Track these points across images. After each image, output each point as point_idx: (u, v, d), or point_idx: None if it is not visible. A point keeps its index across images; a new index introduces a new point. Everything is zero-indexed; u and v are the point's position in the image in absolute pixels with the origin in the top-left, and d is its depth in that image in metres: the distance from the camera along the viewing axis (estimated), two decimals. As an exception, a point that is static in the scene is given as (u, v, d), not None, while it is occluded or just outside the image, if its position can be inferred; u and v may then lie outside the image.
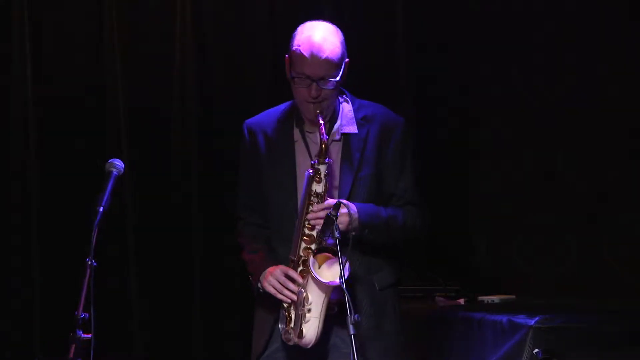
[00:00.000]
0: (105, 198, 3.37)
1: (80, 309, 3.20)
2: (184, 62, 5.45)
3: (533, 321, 4.31)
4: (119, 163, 3.48)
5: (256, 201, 3.78)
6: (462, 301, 5.26)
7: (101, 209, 3.35)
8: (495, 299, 5.26)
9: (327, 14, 5.46)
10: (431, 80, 5.75)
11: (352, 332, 3.28)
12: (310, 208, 3.56)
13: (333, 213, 3.41)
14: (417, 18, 5.72)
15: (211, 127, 5.46)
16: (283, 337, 3.60)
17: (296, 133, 3.73)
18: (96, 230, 3.30)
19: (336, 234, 3.39)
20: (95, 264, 3.25)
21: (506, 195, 5.75)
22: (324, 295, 3.52)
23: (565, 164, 5.59)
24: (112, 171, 3.46)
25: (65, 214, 5.23)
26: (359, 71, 5.65)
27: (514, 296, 5.33)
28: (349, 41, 5.58)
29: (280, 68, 5.36)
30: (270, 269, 3.62)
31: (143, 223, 5.38)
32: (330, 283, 3.47)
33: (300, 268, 3.58)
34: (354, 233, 3.50)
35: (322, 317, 3.54)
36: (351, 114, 3.72)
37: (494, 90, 5.78)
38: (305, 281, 3.54)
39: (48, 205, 5.26)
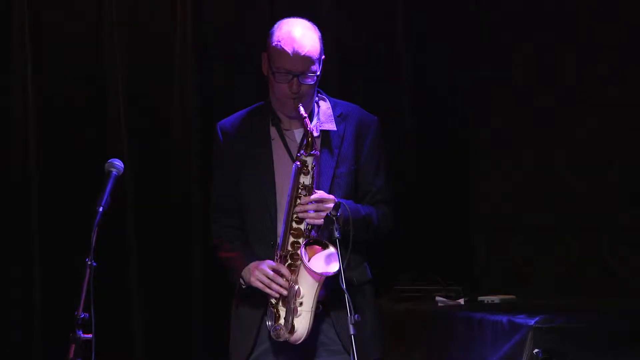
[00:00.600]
0: (104, 198, 3.37)
1: (80, 309, 3.20)
2: (184, 62, 5.45)
3: (533, 321, 4.31)
4: (118, 163, 3.48)
5: (231, 203, 3.77)
6: (462, 301, 5.26)
7: (101, 209, 3.35)
8: (495, 299, 5.26)
9: (328, 14, 5.48)
10: (431, 80, 5.75)
11: (352, 332, 3.28)
12: (298, 201, 3.56)
13: (333, 213, 3.42)
14: (417, 18, 5.72)
15: (211, 127, 5.45)
16: (272, 334, 3.57)
17: (273, 131, 3.74)
18: (96, 230, 3.30)
19: (336, 234, 3.39)
20: (95, 264, 3.25)
21: (506, 195, 5.75)
22: (316, 287, 3.50)
23: (566, 164, 5.59)
24: (111, 171, 3.46)
25: (65, 213, 5.22)
26: (359, 71, 5.72)
27: (514, 296, 5.32)
28: (349, 40, 5.63)
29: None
30: (255, 263, 3.60)
31: (143, 223, 5.37)
32: (324, 273, 3.46)
33: (288, 262, 3.58)
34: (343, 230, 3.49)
35: (313, 310, 3.52)
36: (329, 111, 3.75)
37: (494, 90, 5.78)
38: (296, 275, 3.53)
39: (48, 205, 5.26)
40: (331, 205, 3.47)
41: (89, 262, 3.25)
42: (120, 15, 5.36)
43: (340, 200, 3.50)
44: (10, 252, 5.24)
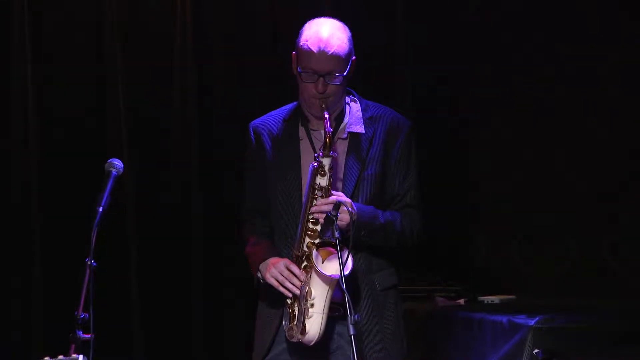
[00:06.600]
0: (104, 198, 3.38)
1: (80, 309, 3.20)
2: (184, 62, 5.45)
3: (533, 321, 4.31)
4: (118, 163, 3.48)
5: (262, 203, 3.78)
6: (462, 301, 5.26)
7: (101, 209, 3.35)
8: (495, 299, 5.26)
9: (327, 14, 5.47)
10: (431, 81, 5.75)
11: (352, 332, 3.28)
12: (315, 202, 3.56)
13: (333, 213, 3.42)
14: (417, 19, 5.72)
15: (211, 127, 5.46)
16: (287, 334, 3.59)
17: (301, 131, 3.74)
18: (96, 230, 3.30)
19: (336, 234, 3.39)
20: (94, 264, 3.25)
21: (506, 195, 5.75)
22: (327, 289, 3.51)
23: (566, 164, 5.59)
24: (111, 171, 3.47)
25: (65, 213, 5.22)
26: (358, 71, 5.70)
27: (514, 296, 5.32)
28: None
29: (279, 67, 5.45)
30: (273, 260, 3.62)
31: (143, 223, 5.37)
32: (334, 276, 3.46)
33: (304, 264, 3.58)
34: (348, 234, 3.50)
35: (326, 312, 3.53)
36: (359, 114, 3.74)
37: (494, 90, 5.78)
38: (309, 276, 3.54)
39: (48, 206, 5.26)
40: (347, 207, 3.47)
41: (89, 262, 3.25)
42: (120, 15, 5.37)
43: (340, 199, 3.50)
44: (10, 252, 5.24)
